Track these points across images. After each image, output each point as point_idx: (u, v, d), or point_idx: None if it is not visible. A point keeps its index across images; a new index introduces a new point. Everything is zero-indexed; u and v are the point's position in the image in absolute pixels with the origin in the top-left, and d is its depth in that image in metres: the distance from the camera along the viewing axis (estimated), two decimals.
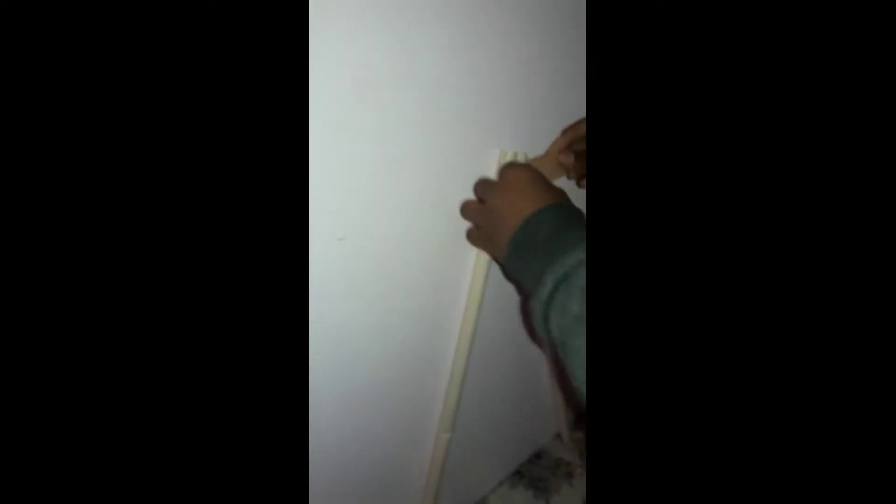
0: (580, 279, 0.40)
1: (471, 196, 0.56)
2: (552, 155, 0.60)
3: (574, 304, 0.39)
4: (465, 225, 0.57)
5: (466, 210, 0.56)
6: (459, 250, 0.59)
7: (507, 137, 0.58)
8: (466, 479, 0.78)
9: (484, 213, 0.53)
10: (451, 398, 0.65)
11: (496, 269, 0.61)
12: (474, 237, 0.57)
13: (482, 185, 0.55)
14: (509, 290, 0.69)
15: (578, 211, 0.49)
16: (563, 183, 0.61)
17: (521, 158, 0.57)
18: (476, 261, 0.60)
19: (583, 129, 0.60)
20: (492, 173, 0.57)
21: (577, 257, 0.41)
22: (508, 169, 0.53)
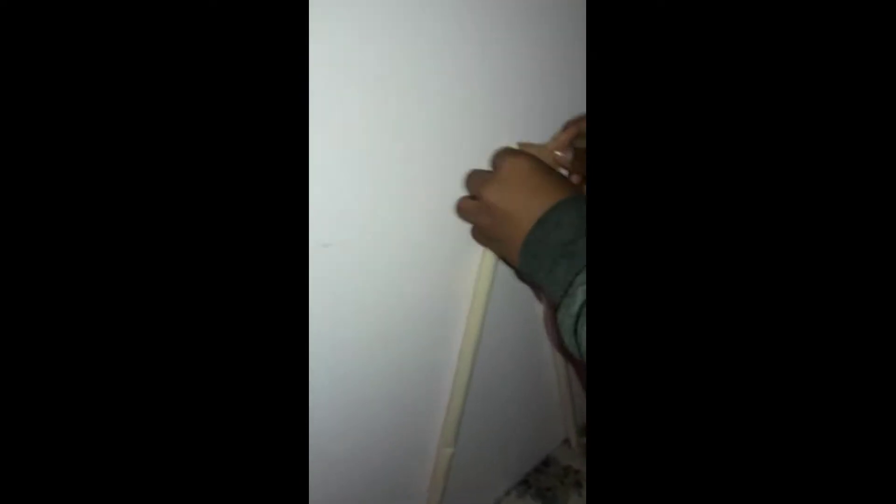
0: None
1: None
2: (548, 149, 0.54)
3: None
4: (469, 224, 0.52)
5: (462, 210, 0.50)
6: (461, 250, 0.53)
7: (508, 133, 0.52)
8: (470, 489, 0.73)
9: (483, 211, 0.47)
10: (454, 410, 0.59)
11: (503, 268, 0.56)
12: (478, 236, 0.51)
13: (475, 179, 0.49)
14: (517, 290, 0.64)
15: (579, 201, 0.43)
16: None
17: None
18: (482, 260, 0.54)
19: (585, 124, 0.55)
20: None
21: None
22: (504, 158, 0.46)
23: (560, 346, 0.68)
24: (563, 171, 0.53)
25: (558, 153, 0.53)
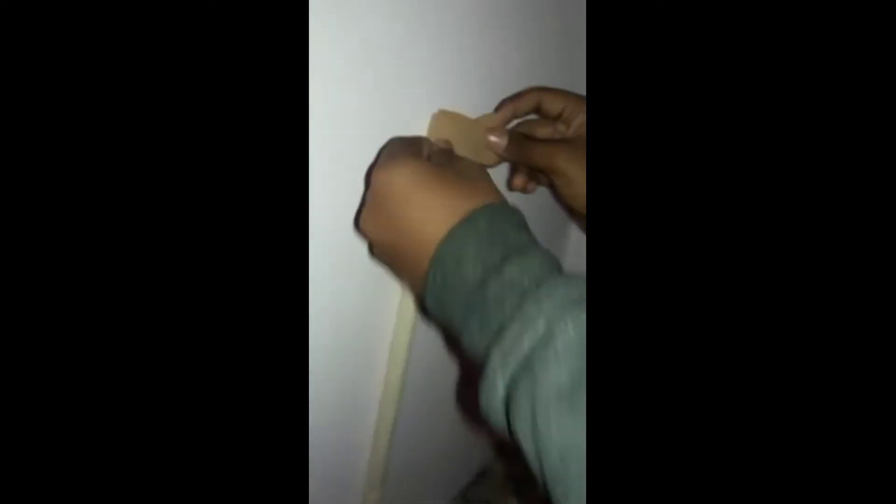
0: (559, 365, 0.26)
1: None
2: (480, 128, 0.43)
3: (553, 416, 0.25)
4: None
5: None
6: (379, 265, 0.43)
7: (440, 98, 0.42)
8: None
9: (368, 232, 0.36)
10: (379, 453, 0.50)
11: None
12: (378, 256, 0.39)
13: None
14: None
15: (504, 209, 0.33)
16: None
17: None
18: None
19: (526, 104, 0.45)
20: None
21: (541, 313, 0.27)
22: (375, 173, 0.34)
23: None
24: (490, 158, 0.44)
25: (493, 138, 0.43)
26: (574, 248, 0.77)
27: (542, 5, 0.51)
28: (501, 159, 0.44)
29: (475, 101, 0.45)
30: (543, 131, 0.47)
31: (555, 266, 0.31)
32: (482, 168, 0.38)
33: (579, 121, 0.45)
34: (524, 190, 0.48)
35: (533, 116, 0.47)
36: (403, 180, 0.33)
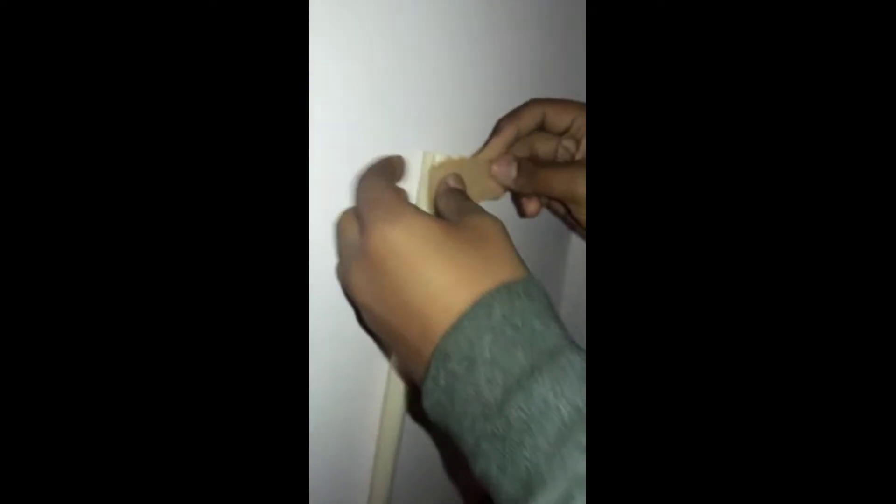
0: None
1: None
2: (482, 161, 0.37)
3: None
4: None
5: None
6: None
7: (432, 137, 0.36)
8: None
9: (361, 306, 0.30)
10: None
11: None
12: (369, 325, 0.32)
13: (343, 240, 0.31)
14: None
15: (526, 288, 0.26)
16: (499, 209, 0.40)
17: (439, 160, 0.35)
18: None
19: (529, 121, 0.39)
20: (411, 185, 0.35)
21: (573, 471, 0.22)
22: (369, 228, 0.27)
23: None
24: (498, 190, 0.38)
25: (496, 168, 0.37)
26: (574, 248, 0.72)
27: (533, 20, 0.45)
28: (508, 190, 0.38)
29: (465, 137, 0.39)
30: (545, 147, 0.41)
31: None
32: (497, 223, 0.29)
33: None
34: (535, 216, 0.42)
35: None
36: (411, 245, 0.26)
